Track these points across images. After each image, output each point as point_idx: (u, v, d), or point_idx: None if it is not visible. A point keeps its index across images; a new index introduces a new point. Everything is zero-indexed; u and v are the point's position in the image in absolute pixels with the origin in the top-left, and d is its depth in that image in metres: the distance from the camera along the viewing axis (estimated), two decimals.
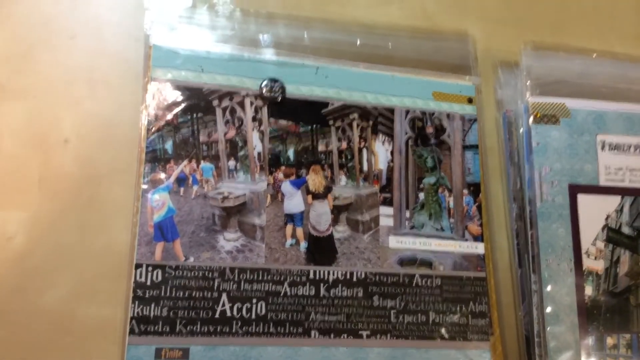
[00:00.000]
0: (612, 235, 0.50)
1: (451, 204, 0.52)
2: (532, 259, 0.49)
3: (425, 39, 0.56)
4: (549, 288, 0.48)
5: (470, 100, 0.54)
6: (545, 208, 0.50)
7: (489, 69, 0.57)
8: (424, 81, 0.54)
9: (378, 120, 0.52)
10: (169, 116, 0.48)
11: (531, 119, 0.52)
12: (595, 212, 0.50)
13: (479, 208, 0.52)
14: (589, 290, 0.48)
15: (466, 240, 0.51)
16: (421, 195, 0.51)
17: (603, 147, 0.52)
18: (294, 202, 0.49)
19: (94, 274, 0.44)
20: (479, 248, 0.50)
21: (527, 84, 0.52)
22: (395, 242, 0.49)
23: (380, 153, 0.52)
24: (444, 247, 0.50)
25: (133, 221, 0.45)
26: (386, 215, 0.50)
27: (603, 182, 0.51)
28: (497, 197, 0.53)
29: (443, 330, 0.48)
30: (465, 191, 0.52)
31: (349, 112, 0.52)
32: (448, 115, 0.53)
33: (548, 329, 0.47)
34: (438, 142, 0.53)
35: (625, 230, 0.50)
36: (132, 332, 0.43)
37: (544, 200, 0.50)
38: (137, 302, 0.43)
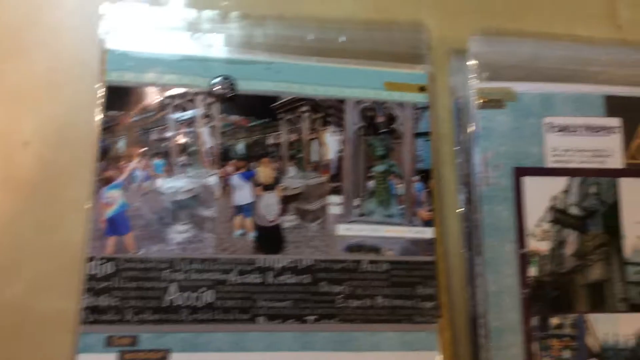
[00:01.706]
0: (559, 216, 0.50)
1: (401, 191, 0.53)
2: (476, 242, 0.50)
3: (380, 30, 0.57)
4: (492, 270, 0.49)
5: (422, 89, 0.55)
6: (490, 191, 0.50)
7: (444, 58, 0.57)
8: (375, 72, 0.55)
9: (329, 111, 0.54)
10: (123, 116, 0.50)
11: (477, 104, 0.52)
12: (541, 193, 0.51)
13: (430, 194, 0.53)
14: (533, 271, 0.49)
15: (415, 225, 0.52)
16: (371, 184, 0.53)
17: (550, 129, 0.52)
18: (243, 194, 0.51)
19: (51, 269, 0.47)
20: (428, 233, 0.51)
21: (474, 70, 0.53)
22: (343, 230, 0.51)
23: (330, 143, 0.53)
24: (393, 233, 0.51)
25: (87, 217, 0.48)
26: (335, 204, 0.52)
27: (549, 163, 0.51)
28: (450, 182, 0.54)
29: (390, 314, 0.49)
30: (416, 178, 0.53)
31: (299, 104, 0.53)
32: (399, 105, 0.54)
33: (491, 310, 0.48)
34: (389, 130, 0.54)
35: (573, 210, 0.51)
36: (84, 321, 0.45)
37: (490, 184, 0.50)
38: (89, 294, 0.46)
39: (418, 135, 0.54)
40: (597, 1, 0.61)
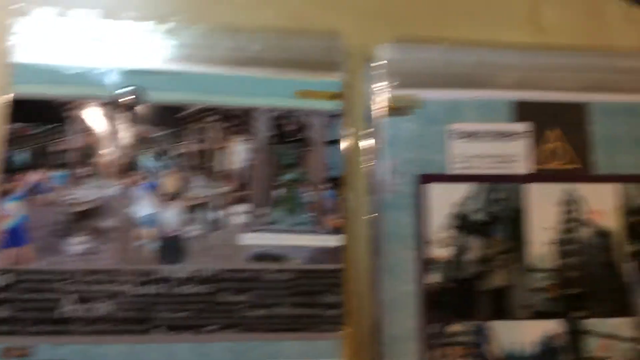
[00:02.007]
0: (462, 222, 0.50)
1: (311, 199, 0.53)
2: (380, 249, 0.49)
3: (295, 38, 0.57)
4: (393, 277, 0.48)
5: (334, 97, 0.55)
6: (395, 199, 0.50)
7: (360, 65, 0.57)
8: (287, 80, 0.55)
9: (238, 120, 0.53)
10: (25, 128, 0.50)
11: (384, 111, 0.52)
12: (445, 200, 0.50)
13: (340, 202, 0.52)
14: (434, 278, 0.49)
15: (324, 233, 0.52)
16: (279, 192, 0.53)
17: (455, 136, 0.52)
18: (147, 204, 0.50)
19: None
20: (336, 240, 0.51)
21: (382, 77, 0.53)
22: (248, 239, 0.51)
23: (239, 152, 0.53)
24: (301, 242, 0.51)
25: None
26: (241, 213, 0.51)
27: (454, 170, 0.51)
28: (361, 190, 0.54)
29: (294, 323, 0.49)
30: (326, 185, 0.53)
31: (207, 114, 0.53)
32: (311, 113, 0.54)
33: (390, 317, 0.48)
34: (300, 138, 0.54)
35: (477, 216, 0.51)
36: None
37: (394, 191, 0.50)
38: None
39: (330, 143, 0.54)
40: (519, 5, 0.61)
